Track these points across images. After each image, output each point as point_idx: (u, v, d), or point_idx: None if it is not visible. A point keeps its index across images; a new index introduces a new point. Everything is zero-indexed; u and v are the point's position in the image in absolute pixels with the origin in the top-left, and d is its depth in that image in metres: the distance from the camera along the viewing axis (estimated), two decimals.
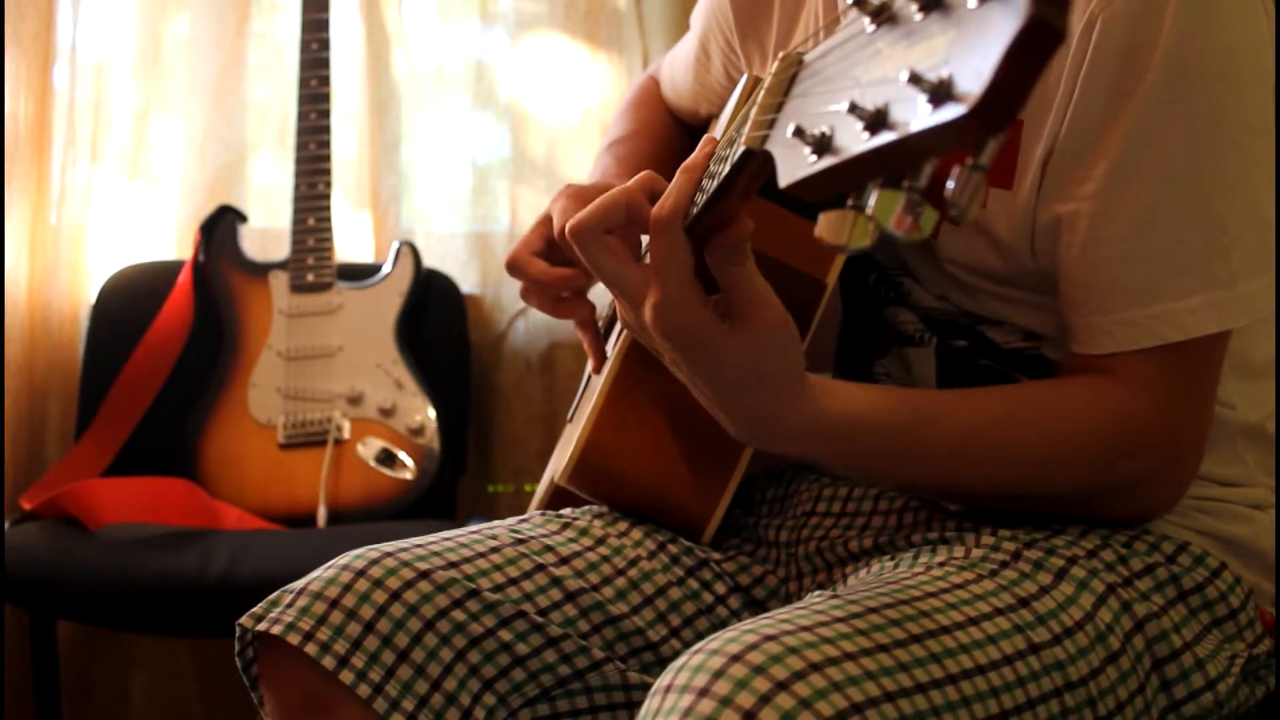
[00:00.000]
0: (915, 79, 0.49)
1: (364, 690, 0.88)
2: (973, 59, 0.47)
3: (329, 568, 0.93)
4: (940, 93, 0.48)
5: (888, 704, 0.73)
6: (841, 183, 0.57)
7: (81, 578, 1.65)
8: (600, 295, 1.04)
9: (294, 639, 0.89)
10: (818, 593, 0.87)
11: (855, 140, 0.53)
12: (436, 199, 2.25)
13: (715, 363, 0.82)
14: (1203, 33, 0.84)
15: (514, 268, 1.04)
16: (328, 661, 0.89)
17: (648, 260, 0.83)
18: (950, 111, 0.47)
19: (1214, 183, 0.87)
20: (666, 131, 1.29)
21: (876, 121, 0.52)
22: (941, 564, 0.88)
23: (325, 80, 2.03)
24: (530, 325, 2.16)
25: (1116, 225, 0.87)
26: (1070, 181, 0.88)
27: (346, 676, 0.88)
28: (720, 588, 1.01)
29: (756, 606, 1.01)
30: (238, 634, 0.93)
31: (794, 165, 0.60)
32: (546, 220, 1.05)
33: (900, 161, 0.53)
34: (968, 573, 0.86)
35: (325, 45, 2.03)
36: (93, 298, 2.08)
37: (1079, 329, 0.90)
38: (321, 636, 0.89)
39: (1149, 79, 0.84)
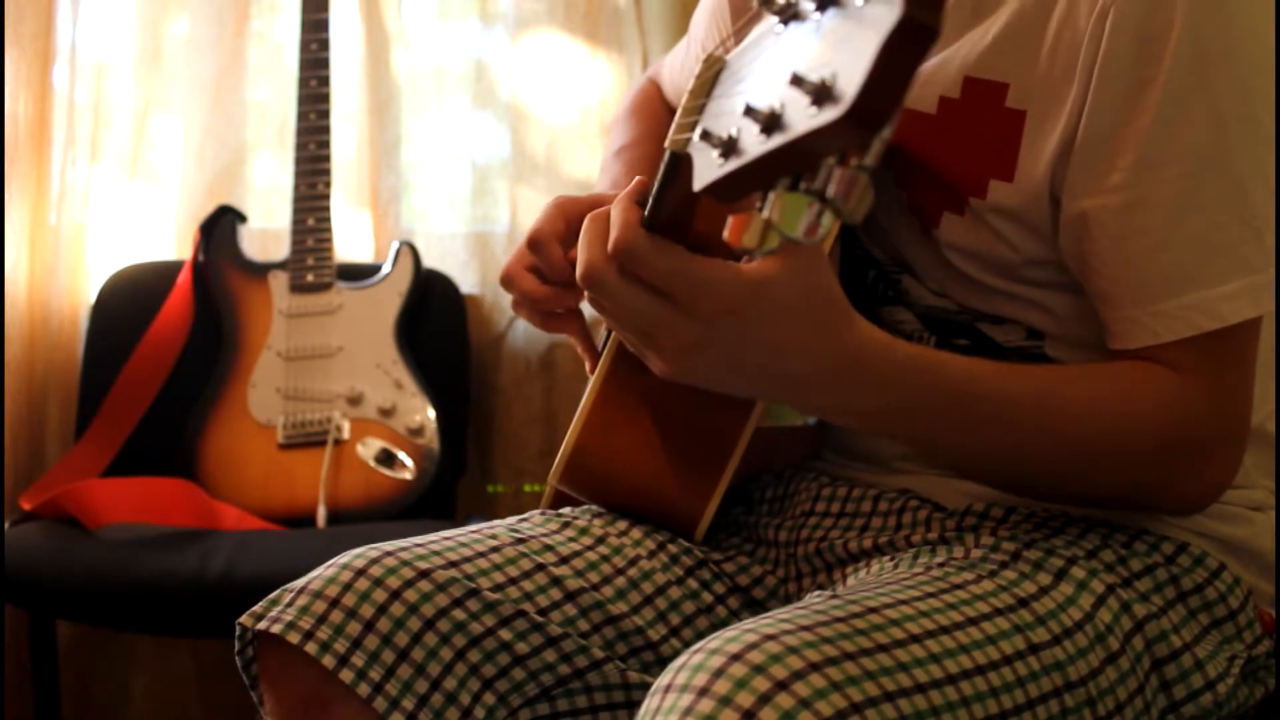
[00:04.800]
0: (797, 80, 0.50)
1: (364, 689, 0.88)
2: (851, 59, 0.47)
3: (329, 566, 0.93)
4: (821, 94, 0.48)
5: (887, 704, 0.73)
6: (749, 185, 0.57)
7: (81, 578, 1.65)
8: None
9: (294, 638, 0.89)
10: (817, 593, 0.87)
11: (754, 143, 0.54)
12: (436, 199, 2.25)
13: (781, 310, 0.76)
14: (1218, 15, 0.84)
15: (507, 282, 1.03)
16: (328, 660, 0.89)
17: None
18: (828, 114, 0.48)
19: (1243, 164, 0.86)
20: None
21: (770, 124, 0.52)
22: (941, 564, 0.88)
23: (325, 80, 2.03)
24: (530, 325, 2.15)
25: (1150, 215, 0.86)
26: (1094, 175, 0.87)
27: (346, 675, 0.88)
28: (719, 587, 1.01)
29: (756, 606, 1.01)
30: (237, 633, 0.93)
31: (706, 167, 0.60)
32: None
33: (796, 163, 0.53)
34: (967, 573, 0.86)
35: (325, 45, 2.03)
36: (93, 298, 2.08)
37: (1116, 324, 0.89)
38: (321, 635, 0.89)
39: (1168, 65, 0.84)
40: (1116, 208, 0.86)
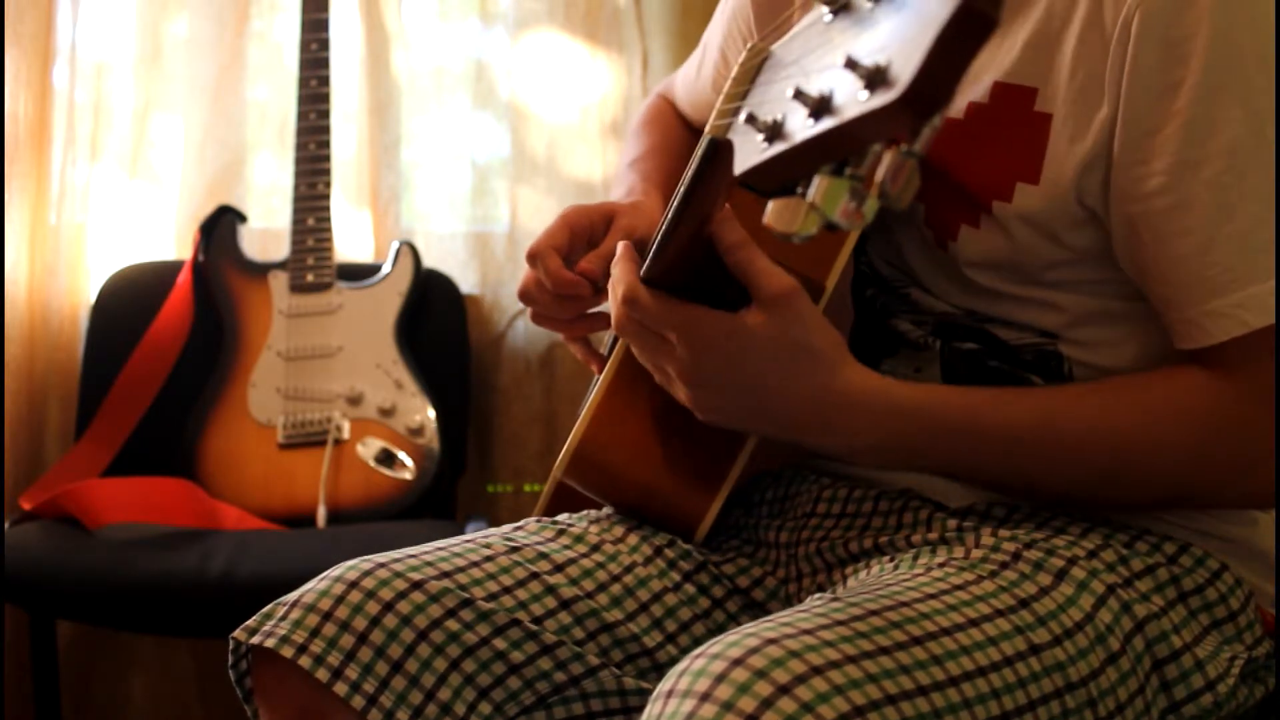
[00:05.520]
0: (852, 64, 0.50)
1: (358, 702, 0.88)
2: (908, 45, 0.47)
3: (322, 579, 0.93)
4: (875, 78, 0.49)
5: (889, 707, 0.73)
6: (791, 169, 0.57)
7: (81, 578, 1.65)
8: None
9: (288, 652, 0.89)
10: (818, 595, 0.87)
11: (801, 127, 0.54)
12: (436, 199, 2.25)
13: (754, 354, 0.85)
14: (1245, 13, 0.84)
15: (524, 298, 1.06)
16: (321, 674, 0.88)
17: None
18: (882, 97, 0.48)
19: (1275, 158, 0.86)
20: (684, 145, 1.29)
21: (820, 108, 0.53)
22: (941, 565, 0.88)
23: (325, 80, 2.03)
24: (530, 325, 2.14)
25: (1194, 216, 0.86)
26: (1134, 180, 0.87)
27: (340, 688, 0.88)
28: (718, 590, 1.01)
29: (756, 608, 1.01)
30: (231, 647, 0.93)
31: (748, 152, 0.60)
32: (561, 227, 1.06)
33: (843, 148, 0.53)
34: (968, 574, 0.86)
35: (325, 45, 2.03)
36: (93, 298, 2.09)
37: (1178, 325, 0.89)
38: (315, 649, 0.89)
39: (1197, 66, 0.84)
40: (1160, 211, 0.87)
